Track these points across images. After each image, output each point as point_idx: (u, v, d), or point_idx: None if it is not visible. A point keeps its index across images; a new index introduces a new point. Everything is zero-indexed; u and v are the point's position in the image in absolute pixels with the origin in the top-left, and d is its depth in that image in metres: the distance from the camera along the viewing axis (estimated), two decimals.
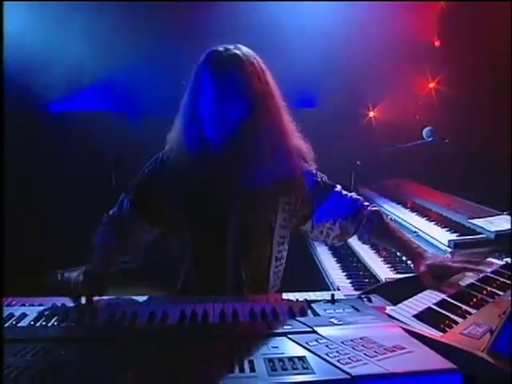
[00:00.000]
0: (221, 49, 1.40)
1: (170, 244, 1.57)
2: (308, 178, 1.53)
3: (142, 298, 1.34)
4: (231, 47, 1.40)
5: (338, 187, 1.58)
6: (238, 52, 1.39)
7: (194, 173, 1.42)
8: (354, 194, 1.60)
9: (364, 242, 1.57)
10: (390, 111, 3.87)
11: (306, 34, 3.36)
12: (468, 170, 2.95)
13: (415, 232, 2.07)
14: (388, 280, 1.73)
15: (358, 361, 0.80)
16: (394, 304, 1.20)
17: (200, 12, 3.47)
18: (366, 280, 1.93)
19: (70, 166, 3.51)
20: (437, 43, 3.81)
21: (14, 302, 1.27)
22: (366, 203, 1.58)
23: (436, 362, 0.80)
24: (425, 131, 2.58)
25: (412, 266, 1.63)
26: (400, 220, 2.29)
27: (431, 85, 3.77)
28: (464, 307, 1.16)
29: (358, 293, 1.41)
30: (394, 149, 2.78)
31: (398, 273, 1.88)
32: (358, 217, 1.53)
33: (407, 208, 2.51)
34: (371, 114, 4.00)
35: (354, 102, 3.77)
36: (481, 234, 1.88)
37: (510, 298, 1.18)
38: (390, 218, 1.59)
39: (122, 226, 1.53)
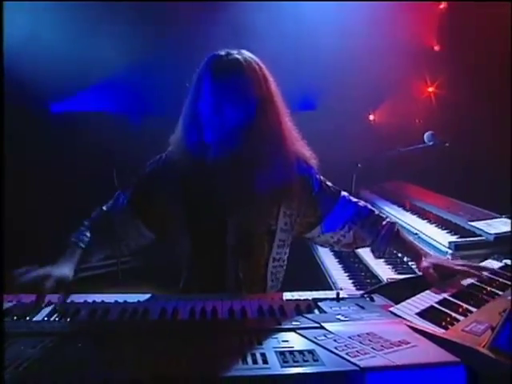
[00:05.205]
0: (223, 53, 1.40)
1: (170, 244, 1.57)
2: (312, 183, 1.55)
3: (147, 296, 1.33)
4: (234, 52, 1.40)
5: (344, 193, 1.61)
6: (239, 57, 1.38)
7: (194, 175, 1.44)
8: (367, 204, 1.63)
9: (378, 253, 1.60)
10: (390, 114, 3.91)
11: (307, 37, 3.40)
12: (468, 172, 3.00)
13: (416, 234, 2.11)
14: (390, 280, 1.76)
15: (365, 354, 0.83)
16: (396, 303, 1.23)
17: (203, 13, 3.49)
18: (368, 280, 1.96)
19: (71, 167, 3.50)
20: (436, 48, 3.87)
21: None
22: (382, 214, 1.62)
23: (440, 355, 0.84)
24: (426, 135, 2.63)
25: (415, 266, 1.67)
26: (401, 222, 2.32)
27: (430, 89, 3.82)
28: (465, 306, 1.19)
29: (360, 293, 1.44)
30: (395, 152, 2.82)
31: (399, 273, 1.92)
32: (377, 227, 1.55)
33: (408, 210, 2.55)
34: (371, 117, 4.04)
35: (354, 105, 3.79)
36: (480, 236, 1.92)
37: (509, 297, 1.22)
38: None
39: (111, 222, 1.50)
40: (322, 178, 1.60)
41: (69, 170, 3.50)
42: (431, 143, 2.58)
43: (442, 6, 3.80)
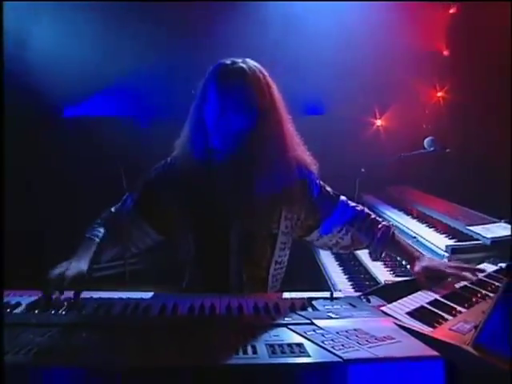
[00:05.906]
0: (228, 62, 1.46)
1: (175, 246, 1.63)
2: (312, 188, 1.61)
3: (150, 294, 1.39)
4: (238, 61, 1.46)
5: (343, 197, 1.66)
6: (243, 66, 1.44)
7: (199, 179, 1.49)
8: (364, 208, 1.68)
9: (375, 255, 1.63)
10: (398, 120, 3.90)
11: (315, 42, 3.42)
12: (470, 177, 3.00)
13: (415, 237, 2.15)
14: (387, 282, 1.80)
15: (350, 347, 0.89)
16: None
17: (212, 16, 3.53)
18: (367, 283, 2.01)
19: (81, 170, 3.54)
20: (445, 52, 3.86)
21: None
22: (379, 218, 1.67)
23: (420, 349, 0.89)
24: (426, 141, 2.66)
25: (409, 268, 1.71)
26: (401, 226, 2.37)
27: (439, 94, 3.82)
28: (456, 307, 1.21)
29: (358, 294, 1.48)
30: (398, 158, 2.86)
31: (396, 276, 1.96)
32: (373, 230, 1.61)
33: (409, 215, 2.59)
34: (378, 122, 4.05)
35: (361, 110, 3.81)
36: (477, 240, 1.95)
37: None
38: (392, 224, 1.68)
39: (119, 223, 1.57)
40: (321, 182, 1.65)
41: (78, 174, 3.55)
42: (432, 149, 2.61)
43: (452, 10, 3.81)
